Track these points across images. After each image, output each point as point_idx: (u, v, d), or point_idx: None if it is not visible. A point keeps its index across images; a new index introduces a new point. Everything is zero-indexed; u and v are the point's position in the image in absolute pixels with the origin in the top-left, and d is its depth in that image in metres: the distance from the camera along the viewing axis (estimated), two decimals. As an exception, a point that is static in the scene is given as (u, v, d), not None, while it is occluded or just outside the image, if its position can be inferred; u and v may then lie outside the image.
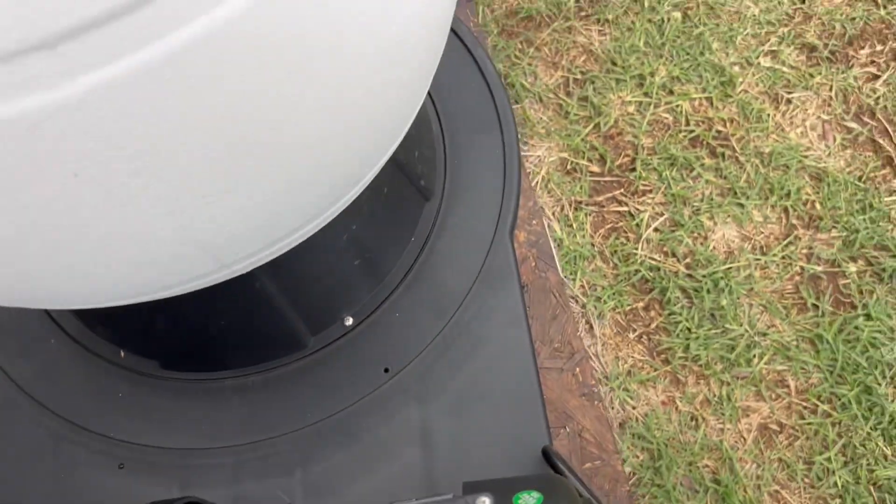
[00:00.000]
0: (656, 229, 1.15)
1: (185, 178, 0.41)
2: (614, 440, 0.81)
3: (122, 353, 0.85)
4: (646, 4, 1.32)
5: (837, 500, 0.98)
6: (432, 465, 0.75)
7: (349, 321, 0.83)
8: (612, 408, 1.02)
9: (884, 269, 1.10)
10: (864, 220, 1.14)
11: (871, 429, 1.01)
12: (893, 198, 1.16)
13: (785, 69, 1.26)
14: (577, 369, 0.86)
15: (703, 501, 0.98)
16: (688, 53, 1.28)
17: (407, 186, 0.86)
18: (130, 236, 0.42)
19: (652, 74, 1.26)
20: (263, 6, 0.37)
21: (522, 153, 1.19)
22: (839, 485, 0.98)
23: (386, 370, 0.81)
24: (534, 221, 0.98)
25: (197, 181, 0.42)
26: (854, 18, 1.29)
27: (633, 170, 1.19)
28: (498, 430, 0.75)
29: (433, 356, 0.80)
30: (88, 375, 0.85)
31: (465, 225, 0.89)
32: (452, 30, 0.99)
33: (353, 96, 0.46)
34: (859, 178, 1.17)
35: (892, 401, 1.02)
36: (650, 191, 1.18)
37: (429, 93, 0.90)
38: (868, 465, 0.99)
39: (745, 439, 1.02)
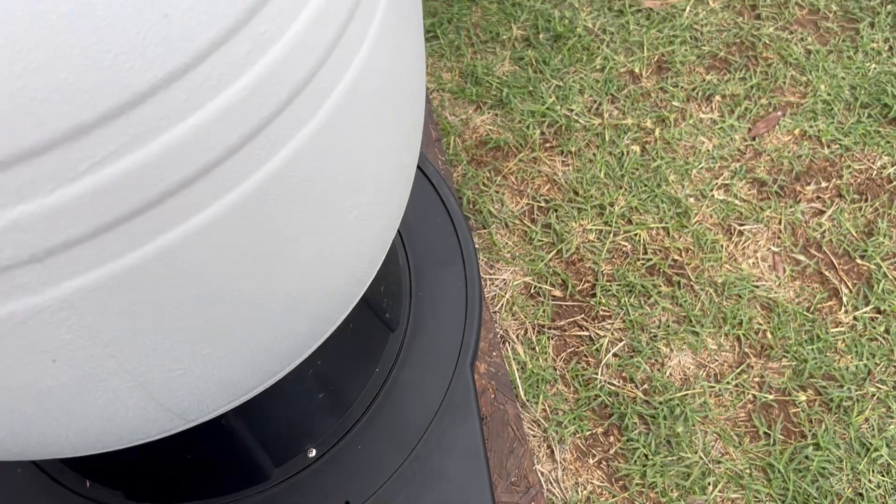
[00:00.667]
0: (615, 354, 1.19)
1: (158, 355, 0.45)
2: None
3: (88, 484, 0.86)
4: (606, 138, 1.41)
5: None
6: None
7: (312, 452, 0.85)
8: (571, 535, 1.04)
9: (832, 399, 1.15)
10: (812, 349, 1.19)
11: (822, 560, 1.03)
12: (839, 329, 1.21)
13: (737, 202, 1.34)
14: (532, 503, 0.89)
15: None
16: (646, 185, 1.35)
17: (373, 320, 0.90)
18: (100, 407, 0.45)
19: (612, 204, 1.33)
20: (238, 213, 0.41)
21: (488, 276, 1.25)
22: None
23: (347, 503, 0.83)
24: (494, 353, 1.02)
25: (170, 356, 0.45)
26: (801, 156, 1.39)
27: (594, 295, 1.24)
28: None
29: (394, 489, 0.83)
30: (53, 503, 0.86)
31: (427, 356, 0.92)
32: (420, 169, 1.05)
33: (331, 256, 0.51)
34: (807, 309, 1.23)
35: (842, 531, 1.05)
36: (609, 316, 1.23)
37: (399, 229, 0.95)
38: None
39: (700, 569, 1.04)
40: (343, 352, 0.85)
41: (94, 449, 0.55)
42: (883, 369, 1.17)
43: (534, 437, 1.10)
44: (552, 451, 1.10)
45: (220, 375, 0.50)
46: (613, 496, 1.08)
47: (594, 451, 1.12)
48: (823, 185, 1.36)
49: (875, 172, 1.36)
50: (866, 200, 1.33)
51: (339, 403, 0.87)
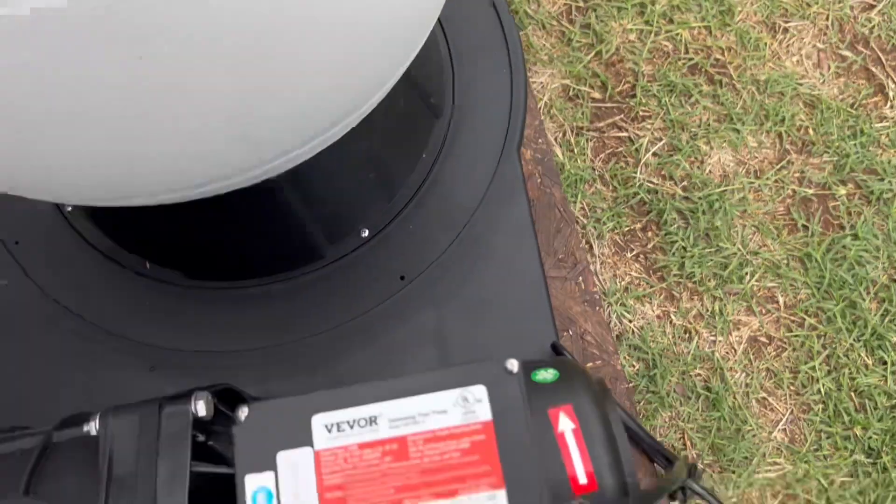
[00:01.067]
0: (655, 154, 1.19)
1: (245, 66, 0.44)
2: (614, 342, 0.87)
3: (147, 265, 0.89)
4: None
5: (820, 406, 1.04)
6: (447, 363, 0.80)
7: (365, 233, 0.87)
8: (610, 321, 1.08)
9: (872, 192, 1.15)
10: (855, 144, 1.18)
11: (853, 340, 1.07)
12: (883, 124, 1.20)
13: (783, -2, 1.29)
14: (580, 278, 0.91)
15: (696, 406, 1.04)
16: (688, -18, 1.30)
17: (418, 103, 0.89)
18: (187, 121, 0.46)
19: (653, 3, 1.28)
20: None
21: (531, 81, 1.23)
22: (822, 391, 1.05)
23: (402, 278, 0.85)
24: (539, 140, 1.01)
25: (258, 69, 0.45)
26: (852, -52, 1.32)
27: (634, 96, 1.22)
28: (508, 331, 0.80)
29: (446, 265, 0.85)
30: (115, 285, 0.89)
31: (474, 141, 0.92)
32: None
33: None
34: (851, 105, 1.21)
35: (875, 314, 1.08)
36: (650, 116, 1.21)
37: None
38: (850, 373, 1.05)
39: (735, 350, 1.08)
40: (391, 133, 0.85)
41: (161, 189, 0.56)
42: (925, 163, 1.16)
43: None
44: (591, 247, 1.13)
45: (299, 105, 0.51)
46: (651, 286, 1.11)
47: (632, 246, 1.14)
48: (875, -22, 1.30)
49: (930, -37, 1.29)
50: (919, -7, 1.28)
51: (388, 186, 0.88)
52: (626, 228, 1.15)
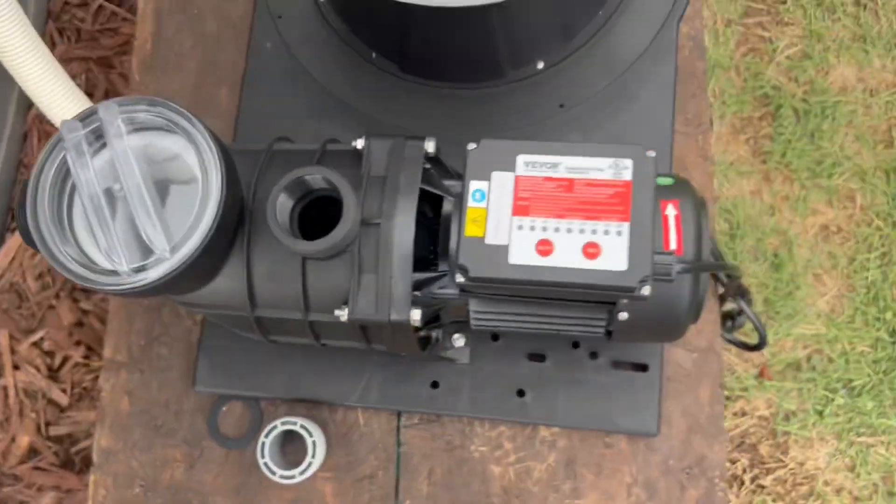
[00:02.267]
0: (788, 57, 1.37)
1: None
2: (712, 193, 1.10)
3: (374, 55, 1.17)
4: None
5: (864, 290, 1.27)
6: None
7: (541, 65, 1.12)
8: (711, 187, 1.31)
9: (969, 129, 1.32)
10: (969, 85, 1.33)
11: (910, 246, 1.28)
12: None
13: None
14: (701, 137, 1.14)
15: (762, 267, 1.28)
16: None
17: None
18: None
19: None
20: None
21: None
22: (869, 279, 1.27)
23: (561, 106, 1.11)
24: (696, 20, 1.21)
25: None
26: None
27: (784, 3, 1.39)
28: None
29: (598, 103, 1.10)
30: (347, 65, 1.18)
31: (642, 9, 1.14)
32: None
33: None
34: (978, 50, 1.35)
35: (936, 230, 1.28)
36: (793, 24, 1.39)
37: None
38: (898, 271, 1.27)
39: (807, 232, 1.30)
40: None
41: None
42: None
43: (700, 107, 1.34)
44: (711, 123, 1.34)
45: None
46: (752, 167, 1.33)
47: (747, 130, 1.35)
48: None
49: None
50: None
51: (568, 30, 1.12)
52: (746, 115, 1.35)
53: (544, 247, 0.71)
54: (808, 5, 1.38)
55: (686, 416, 1.10)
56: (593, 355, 1.04)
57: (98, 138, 0.73)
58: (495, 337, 1.06)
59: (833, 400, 1.24)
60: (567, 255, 0.71)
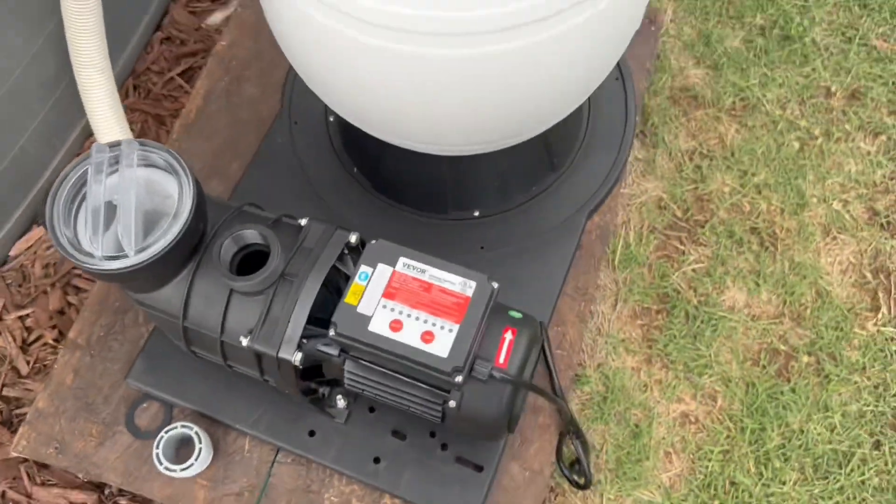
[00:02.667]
0: (693, 270, 1.65)
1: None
2: (585, 352, 1.33)
3: (355, 170, 1.47)
4: (779, 128, 1.79)
5: (702, 476, 1.48)
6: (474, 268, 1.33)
7: (476, 213, 1.41)
8: (597, 354, 1.56)
9: (823, 370, 1.56)
10: (833, 334, 1.59)
11: (749, 451, 1.49)
12: (862, 332, 1.59)
13: (846, 216, 1.70)
14: (584, 303, 1.39)
15: (623, 432, 1.50)
16: (787, 173, 1.74)
17: (560, 139, 1.43)
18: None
19: (754, 175, 1.74)
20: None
21: (637, 183, 1.72)
22: (708, 469, 1.48)
23: (482, 247, 1.39)
24: (608, 215, 1.50)
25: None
26: (919, 208, 1.71)
27: (703, 226, 1.69)
28: (523, 294, 1.32)
29: (513, 253, 1.38)
30: (335, 171, 1.49)
31: (568, 194, 1.45)
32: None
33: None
34: (848, 309, 1.62)
35: (773, 443, 1.50)
36: (705, 245, 1.67)
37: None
38: (732, 469, 1.48)
39: (669, 414, 1.53)
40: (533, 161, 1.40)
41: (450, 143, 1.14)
42: (888, 379, 1.56)
43: (610, 289, 1.61)
44: (616, 302, 1.61)
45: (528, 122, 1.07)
46: (639, 347, 1.58)
47: (643, 317, 1.61)
48: (922, 236, 1.69)
49: (971, 247, 1.66)
50: (948, 262, 1.65)
51: (503, 193, 1.42)
52: (647, 305, 1.62)
53: (396, 325, 0.98)
54: (721, 235, 1.68)
55: (502, 519, 1.30)
56: (444, 447, 1.27)
57: (116, 163, 1.02)
58: (371, 409, 1.29)
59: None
60: (409, 336, 0.97)
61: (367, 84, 1.01)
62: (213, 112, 1.61)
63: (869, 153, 1.78)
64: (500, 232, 1.40)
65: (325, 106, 1.43)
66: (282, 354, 1.03)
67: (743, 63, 1.86)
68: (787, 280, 1.64)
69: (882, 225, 1.70)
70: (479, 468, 1.25)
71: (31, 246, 1.61)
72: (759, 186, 1.73)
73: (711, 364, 1.56)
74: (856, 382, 1.56)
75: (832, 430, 1.52)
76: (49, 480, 1.39)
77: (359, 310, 0.98)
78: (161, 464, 1.24)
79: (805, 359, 1.58)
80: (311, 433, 1.27)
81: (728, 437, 1.51)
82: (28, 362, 1.50)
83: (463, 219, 1.41)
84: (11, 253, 1.61)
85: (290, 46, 1.09)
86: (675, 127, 1.78)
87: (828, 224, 1.70)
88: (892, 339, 1.60)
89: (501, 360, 1.04)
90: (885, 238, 1.69)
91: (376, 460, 1.26)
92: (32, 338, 1.54)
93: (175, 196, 1.03)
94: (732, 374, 1.56)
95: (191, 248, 1.07)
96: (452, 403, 1.07)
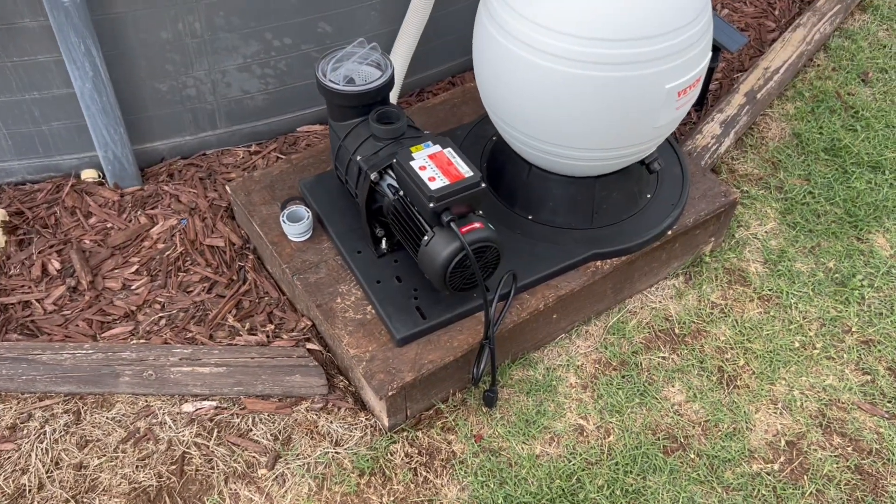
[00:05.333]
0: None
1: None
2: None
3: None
4: (718, 379, 2.36)
5: None
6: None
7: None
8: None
9: None
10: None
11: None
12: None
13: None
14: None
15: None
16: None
17: (634, 183, 2.38)
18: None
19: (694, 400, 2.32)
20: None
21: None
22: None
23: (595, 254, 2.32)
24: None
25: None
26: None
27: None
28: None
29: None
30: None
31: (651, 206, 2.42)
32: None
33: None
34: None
35: None
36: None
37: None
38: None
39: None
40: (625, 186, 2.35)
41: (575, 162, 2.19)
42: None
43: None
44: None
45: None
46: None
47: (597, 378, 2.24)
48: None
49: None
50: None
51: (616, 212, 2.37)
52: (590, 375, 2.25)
53: (422, 168, 1.97)
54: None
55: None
56: (416, 296, 2.15)
57: (355, 55, 2.22)
58: (398, 278, 2.19)
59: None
60: (424, 175, 1.93)
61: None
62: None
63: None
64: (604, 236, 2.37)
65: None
66: (369, 171, 2.05)
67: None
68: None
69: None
70: (424, 316, 2.06)
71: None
72: (678, 402, 2.31)
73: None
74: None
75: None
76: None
77: (413, 156, 1.97)
78: (285, 223, 2.27)
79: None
80: (359, 252, 2.22)
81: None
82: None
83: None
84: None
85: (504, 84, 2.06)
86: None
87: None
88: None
89: (465, 228, 1.91)
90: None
91: (378, 281, 2.16)
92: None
93: (380, 75, 2.16)
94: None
95: (367, 105, 2.15)
96: (425, 239, 1.93)
